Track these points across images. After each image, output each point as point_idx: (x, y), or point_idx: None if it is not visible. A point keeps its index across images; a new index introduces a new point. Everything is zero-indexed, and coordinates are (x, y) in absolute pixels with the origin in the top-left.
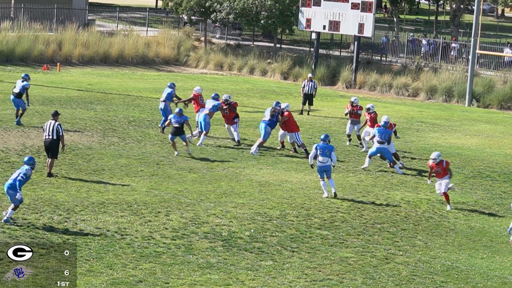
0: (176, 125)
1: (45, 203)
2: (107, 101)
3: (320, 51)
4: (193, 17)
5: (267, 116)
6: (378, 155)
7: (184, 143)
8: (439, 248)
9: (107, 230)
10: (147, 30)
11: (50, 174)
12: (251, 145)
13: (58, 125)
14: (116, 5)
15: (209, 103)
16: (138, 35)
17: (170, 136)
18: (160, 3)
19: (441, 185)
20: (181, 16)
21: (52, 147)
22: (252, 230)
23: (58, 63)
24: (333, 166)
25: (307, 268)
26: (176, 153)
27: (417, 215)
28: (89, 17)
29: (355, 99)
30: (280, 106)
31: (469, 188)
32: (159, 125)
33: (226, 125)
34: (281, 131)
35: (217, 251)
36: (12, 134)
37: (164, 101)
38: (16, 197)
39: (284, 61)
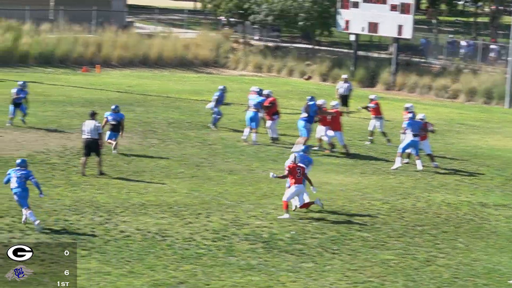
0: (114, 122)
1: (86, 205)
2: (146, 103)
3: (359, 52)
4: (231, 19)
5: (303, 113)
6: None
7: (114, 142)
8: (480, 251)
9: (148, 232)
10: (185, 32)
11: (101, 173)
12: (291, 146)
13: (97, 124)
14: (155, 7)
15: (253, 99)
16: (177, 37)
17: (110, 134)
18: (198, 5)
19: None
20: (219, 17)
21: (94, 147)
22: (292, 232)
23: (97, 65)
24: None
25: (348, 270)
26: (114, 151)
27: (458, 217)
28: (128, 19)
29: (375, 96)
30: (314, 100)
31: (510, 191)
32: (211, 124)
33: (267, 122)
34: (319, 128)
35: (258, 252)
36: (53, 136)
37: (214, 102)
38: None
39: (323, 63)
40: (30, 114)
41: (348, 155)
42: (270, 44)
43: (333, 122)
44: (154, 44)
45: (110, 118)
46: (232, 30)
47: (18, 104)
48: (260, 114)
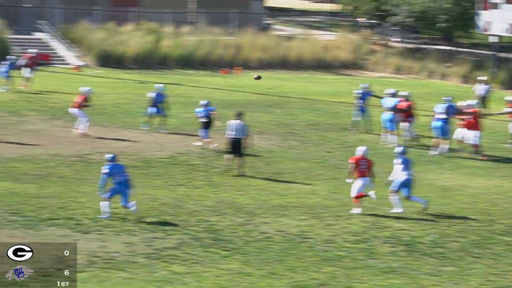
0: (205, 120)
1: (226, 206)
2: (285, 105)
3: (501, 54)
4: (371, 21)
5: (440, 114)
6: None
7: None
8: None
9: (288, 233)
10: (324, 34)
11: (242, 174)
12: (428, 148)
13: (244, 124)
14: (293, 9)
15: (388, 102)
16: (316, 39)
17: (203, 132)
18: (336, 7)
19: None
20: (358, 19)
21: (240, 147)
22: (434, 235)
23: (237, 67)
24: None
25: (490, 275)
26: (214, 145)
27: None
28: (267, 21)
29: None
30: (452, 101)
31: None
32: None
33: (402, 124)
34: (460, 130)
35: (399, 255)
36: (194, 138)
37: (359, 99)
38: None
39: (463, 65)
40: (171, 116)
41: (481, 155)
42: (410, 45)
43: (471, 122)
44: (293, 46)
45: (200, 115)
46: (371, 32)
47: (157, 106)
48: (396, 116)
